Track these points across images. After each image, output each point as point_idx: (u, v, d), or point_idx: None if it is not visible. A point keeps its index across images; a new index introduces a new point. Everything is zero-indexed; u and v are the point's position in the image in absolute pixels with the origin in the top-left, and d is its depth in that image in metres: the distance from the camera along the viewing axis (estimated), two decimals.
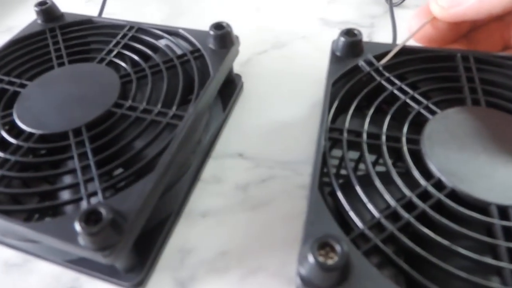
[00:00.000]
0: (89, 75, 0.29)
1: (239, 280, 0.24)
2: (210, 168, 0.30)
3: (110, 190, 0.22)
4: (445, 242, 0.18)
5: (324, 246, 0.17)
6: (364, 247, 0.18)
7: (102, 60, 0.30)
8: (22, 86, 0.28)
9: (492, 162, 0.21)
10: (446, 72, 0.27)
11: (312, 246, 0.17)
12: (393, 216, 0.19)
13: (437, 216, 0.19)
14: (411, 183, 0.20)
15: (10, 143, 0.25)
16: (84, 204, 0.21)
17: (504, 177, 0.20)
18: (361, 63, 0.27)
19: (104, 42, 0.32)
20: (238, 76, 0.35)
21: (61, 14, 0.35)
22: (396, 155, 0.22)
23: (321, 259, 0.16)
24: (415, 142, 0.22)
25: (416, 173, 0.21)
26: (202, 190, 0.28)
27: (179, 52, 0.31)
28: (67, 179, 0.23)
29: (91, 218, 0.19)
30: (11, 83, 0.29)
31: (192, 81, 0.28)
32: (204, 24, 0.31)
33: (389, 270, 0.18)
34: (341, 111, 0.25)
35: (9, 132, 0.25)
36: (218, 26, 0.30)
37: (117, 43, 0.32)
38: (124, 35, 0.32)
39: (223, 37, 0.30)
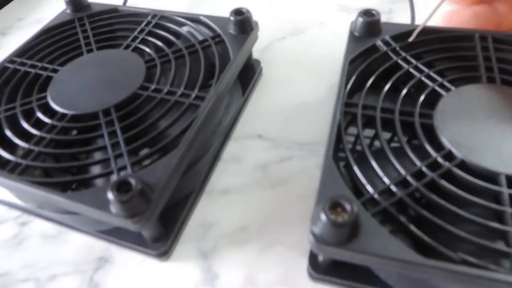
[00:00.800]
0: (116, 61, 0.30)
1: (258, 252, 0.25)
2: (230, 149, 0.31)
3: (137, 165, 0.24)
4: (452, 207, 0.19)
5: (335, 206, 0.18)
6: (373, 210, 0.19)
7: (128, 46, 0.32)
8: (55, 71, 0.30)
9: (503, 136, 0.21)
10: (463, 51, 0.27)
11: (324, 205, 0.18)
12: (403, 184, 0.20)
13: (445, 184, 0.19)
14: (423, 155, 0.21)
15: (45, 123, 0.26)
16: (114, 178, 0.22)
17: None
18: (379, 42, 0.28)
19: (129, 29, 0.34)
20: (257, 62, 0.36)
21: (88, 4, 0.37)
22: (410, 130, 0.23)
23: (332, 217, 0.17)
24: (428, 116, 0.23)
25: (427, 146, 0.21)
26: (222, 169, 0.30)
27: (200, 38, 0.32)
28: (97, 155, 0.25)
29: (122, 188, 0.20)
30: (44, 68, 0.31)
31: (213, 65, 0.29)
32: (224, 12, 0.32)
33: (398, 237, 0.18)
34: (357, 88, 0.26)
35: (44, 113, 0.27)
36: (238, 12, 0.31)
37: (142, 30, 0.33)
38: (148, 23, 0.34)
39: (243, 22, 0.31)
